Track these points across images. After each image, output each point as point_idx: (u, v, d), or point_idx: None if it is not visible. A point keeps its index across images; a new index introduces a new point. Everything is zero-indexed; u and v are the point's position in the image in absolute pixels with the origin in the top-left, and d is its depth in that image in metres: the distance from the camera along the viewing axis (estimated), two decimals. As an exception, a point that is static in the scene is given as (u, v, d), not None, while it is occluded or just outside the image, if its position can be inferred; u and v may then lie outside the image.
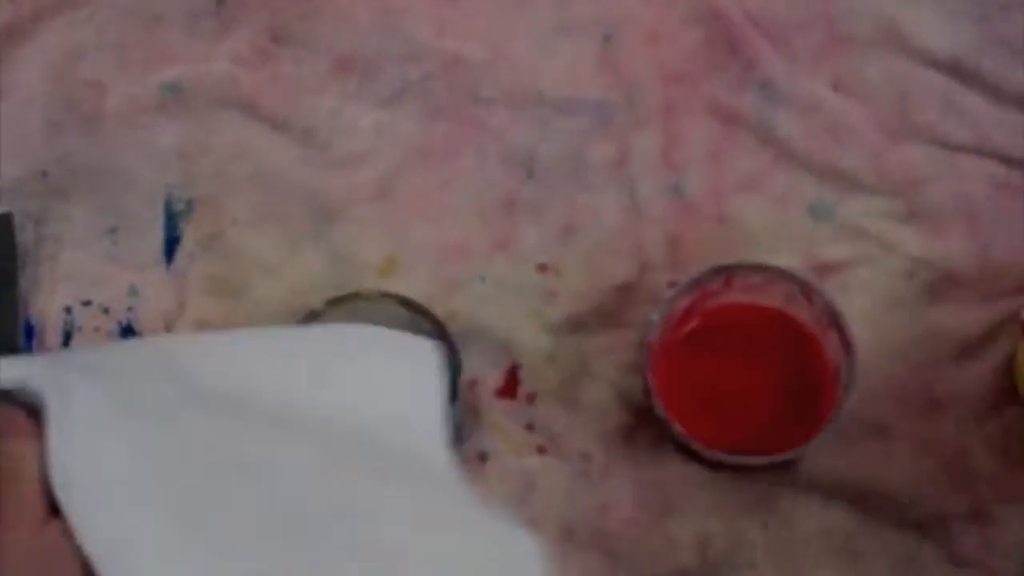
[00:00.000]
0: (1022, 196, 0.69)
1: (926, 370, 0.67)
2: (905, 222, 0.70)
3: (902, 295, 0.69)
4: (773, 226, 0.71)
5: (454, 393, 0.62)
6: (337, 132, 0.76)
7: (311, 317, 0.65)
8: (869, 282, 0.69)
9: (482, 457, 0.68)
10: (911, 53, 0.72)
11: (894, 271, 0.69)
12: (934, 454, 0.65)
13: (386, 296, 0.65)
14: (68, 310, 0.75)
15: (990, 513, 0.64)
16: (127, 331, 0.74)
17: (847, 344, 0.61)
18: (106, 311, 0.74)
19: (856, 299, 0.68)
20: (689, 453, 0.66)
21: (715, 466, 0.66)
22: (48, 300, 0.75)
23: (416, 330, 0.64)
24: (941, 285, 0.68)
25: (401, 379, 0.53)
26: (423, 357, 0.53)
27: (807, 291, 0.62)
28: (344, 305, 0.65)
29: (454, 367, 0.63)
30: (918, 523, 0.64)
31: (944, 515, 0.64)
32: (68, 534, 0.41)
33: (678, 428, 0.61)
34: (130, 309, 0.74)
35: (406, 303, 0.65)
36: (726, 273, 0.63)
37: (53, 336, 0.74)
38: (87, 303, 0.75)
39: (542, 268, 0.71)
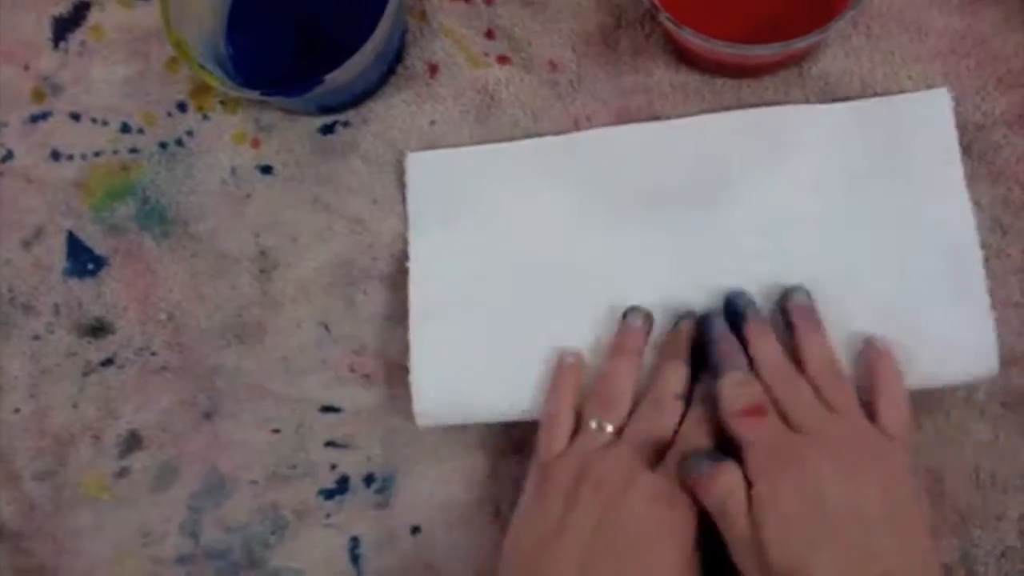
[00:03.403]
0: None
1: (970, -45, 0.55)
2: None
3: None
4: None
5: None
6: None
7: None
8: None
9: (432, 68, 0.57)
10: None
11: None
12: (971, 55, 0.54)
13: None
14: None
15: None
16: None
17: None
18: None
19: None
20: (681, 55, 0.55)
21: (712, 70, 0.55)
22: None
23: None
24: None
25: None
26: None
27: None
28: None
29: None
30: (960, 126, 0.53)
31: (984, 124, 0.53)
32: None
33: (665, 15, 0.49)
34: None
35: None
36: None
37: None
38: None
39: None
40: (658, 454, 0.48)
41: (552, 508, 0.47)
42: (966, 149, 0.53)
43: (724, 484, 0.45)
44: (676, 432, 0.49)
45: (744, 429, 0.46)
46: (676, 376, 0.50)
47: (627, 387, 0.50)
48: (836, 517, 0.42)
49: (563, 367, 0.52)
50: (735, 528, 0.44)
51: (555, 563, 0.45)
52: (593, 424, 0.49)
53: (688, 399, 0.50)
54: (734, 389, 0.47)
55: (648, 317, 0.52)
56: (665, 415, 0.49)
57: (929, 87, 0.54)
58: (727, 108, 0.55)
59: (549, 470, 0.49)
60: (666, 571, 0.45)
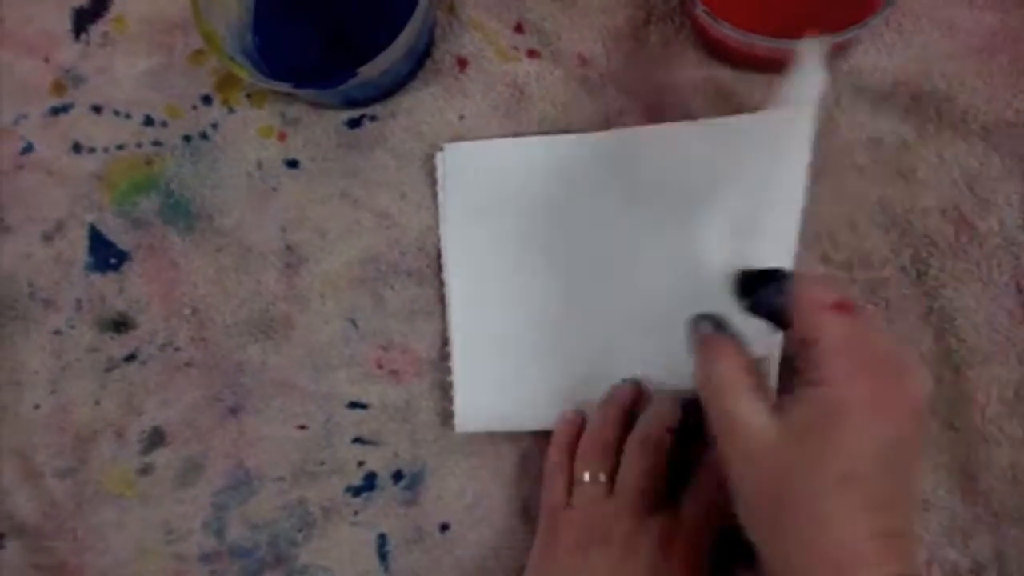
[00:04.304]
0: None
1: (1002, -49, 0.54)
2: None
3: None
4: None
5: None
6: None
7: None
8: None
9: (462, 62, 0.57)
10: None
11: None
12: (1004, 51, 0.54)
13: None
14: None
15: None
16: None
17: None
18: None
19: None
20: (712, 50, 0.55)
21: (743, 64, 0.54)
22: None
23: None
24: None
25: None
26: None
27: None
28: None
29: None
30: (984, 130, 0.53)
31: (1016, 121, 0.53)
32: None
33: (702, 8, 0.49)
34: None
35: None
36: None
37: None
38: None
39: None
40: (657, 493, 0.49)
41: (563, 564, 0.48)
42: (996, 147, 0.53)
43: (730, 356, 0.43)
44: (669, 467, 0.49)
45: (825, 322, 0.40)
46: (669, 410, 0.50)
47: (612, 435, 0.50)
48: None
49: (563, 420, 0.52)
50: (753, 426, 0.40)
51: None
52: (586, 476, 0.50)
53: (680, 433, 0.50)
54: (818, 286, 0.41)
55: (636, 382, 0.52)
56: (652, 454, 0.49)
57: (961, 84, 0.54)
58: (757, 103, 0.54)
59: (556, 522, 0.50)
60: None
